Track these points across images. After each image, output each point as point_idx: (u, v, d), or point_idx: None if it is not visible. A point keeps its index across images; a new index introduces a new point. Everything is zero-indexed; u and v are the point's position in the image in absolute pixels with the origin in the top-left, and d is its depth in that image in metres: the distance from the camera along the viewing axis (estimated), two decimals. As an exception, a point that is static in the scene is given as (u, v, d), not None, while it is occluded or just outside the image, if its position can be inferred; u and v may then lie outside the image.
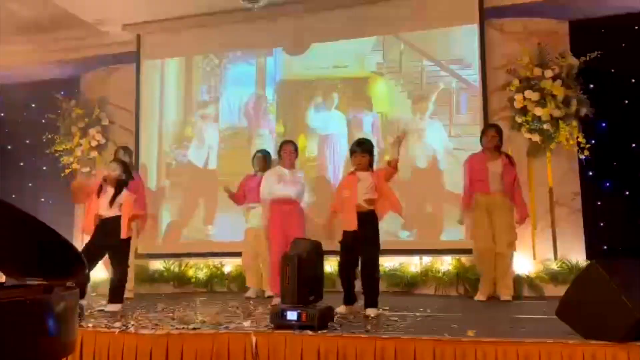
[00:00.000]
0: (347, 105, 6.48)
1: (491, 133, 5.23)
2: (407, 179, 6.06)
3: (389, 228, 5.57)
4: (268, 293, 5.53)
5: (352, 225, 4.27)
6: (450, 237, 5.89)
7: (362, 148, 4.41)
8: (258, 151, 5.88)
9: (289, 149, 5.17)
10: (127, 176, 4.91)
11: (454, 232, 5.78)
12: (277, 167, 5.26)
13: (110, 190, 4.78)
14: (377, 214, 4.37)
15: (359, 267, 4.33)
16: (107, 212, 4.73)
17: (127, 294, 5.13)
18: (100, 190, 4.81)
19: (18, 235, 2.39)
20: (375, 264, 4.30)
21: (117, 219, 4.71)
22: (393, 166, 4.35)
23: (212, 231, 6.75)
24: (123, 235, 4.69)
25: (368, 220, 4.28)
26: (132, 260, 5.75)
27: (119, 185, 4.80)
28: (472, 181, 5.22)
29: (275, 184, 5.08)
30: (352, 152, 4.46)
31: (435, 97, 6.17)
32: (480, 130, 5.51)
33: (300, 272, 3.56)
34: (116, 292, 4.71)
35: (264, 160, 5.73)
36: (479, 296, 5.18)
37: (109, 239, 4.66)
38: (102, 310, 4.61)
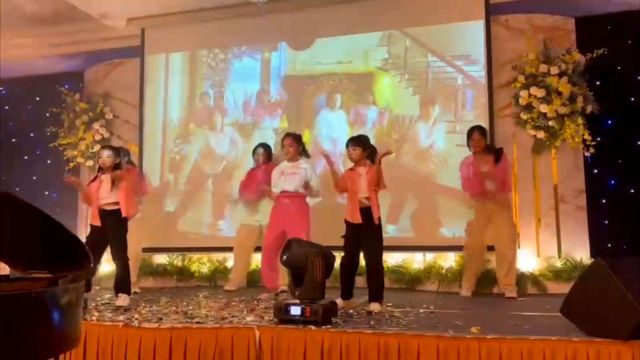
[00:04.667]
0: (351, 100, 6.45)
1: (476, 136, 5.23)
2: (412, 175, 6.06)
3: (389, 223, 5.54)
4: None
5: (356, 218, 4.36)
6: (452, 233, 5.87)
7: (352, 142, 4.50)
8: (259, 145, 5.85)
9: (287, 142, 5.23)
10: (120, 160, 4.82)
11: (457, 228, 5.76)
12: (283, 162, 5.34)
13: (107, 178, 4.64)
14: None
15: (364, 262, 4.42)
16: (109, 199, 4.63)
17: (133, 288, 5.13)
18: (95, 179, 4.73)
19: (23, 227, 2.40)
20: (379, 256, 4.39)
21: (117, 211, 4.63)
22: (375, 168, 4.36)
23: (216, 226, 6.74)
24: (124, 213, 4.61)
25: (369, 216, 4.34)
26: (138, 252, 5.78)
27: (116, 169, 4.70)
28: (470, 182, 5.27)
29: (277, 179, 5.22)
30: (346, 146, 4.56)
31: (440, 93, 6.15)
32: (485, 125, 5.51)
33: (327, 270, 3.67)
34: (122, 284, 4.66)
35: (265, 154, 5.74)
36: (464, 292, 5.26)
37: (110, 231, 4.61)
38: (108, 303, 4.62)
